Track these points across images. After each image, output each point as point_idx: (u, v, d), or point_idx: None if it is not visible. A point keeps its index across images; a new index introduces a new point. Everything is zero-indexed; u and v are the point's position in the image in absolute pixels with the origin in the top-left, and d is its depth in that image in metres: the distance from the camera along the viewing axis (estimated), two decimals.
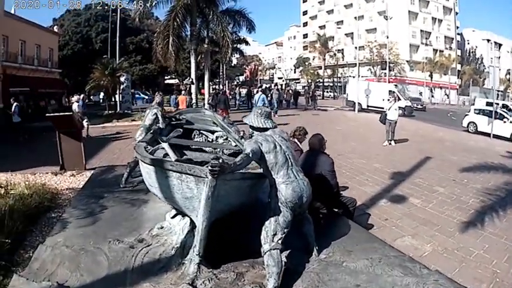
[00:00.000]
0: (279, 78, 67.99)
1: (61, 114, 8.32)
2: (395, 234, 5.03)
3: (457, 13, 57.74)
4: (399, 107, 14.43)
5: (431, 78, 50.96)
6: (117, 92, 22.83)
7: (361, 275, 3.07)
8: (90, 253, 3.33)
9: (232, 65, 51.73)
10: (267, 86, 34.57)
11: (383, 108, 14.17)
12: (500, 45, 59.44)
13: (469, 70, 53.99)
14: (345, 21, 57.58)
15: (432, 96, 49.80)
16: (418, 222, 5.53)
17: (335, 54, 53.12)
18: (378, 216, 5.70)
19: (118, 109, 22.66)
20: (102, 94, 26.40)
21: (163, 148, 4.92)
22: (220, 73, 36.66)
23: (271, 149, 3.10)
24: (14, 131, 13.73)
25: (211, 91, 23.64)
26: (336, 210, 4.70)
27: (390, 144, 12.08)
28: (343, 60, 54.64)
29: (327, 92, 51.64)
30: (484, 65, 55.84)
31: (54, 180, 6.85)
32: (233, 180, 3.13)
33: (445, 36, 56.14)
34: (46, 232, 4.18)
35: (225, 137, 6.29)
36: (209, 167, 2.65)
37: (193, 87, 20.49)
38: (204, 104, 18.50)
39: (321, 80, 52.82)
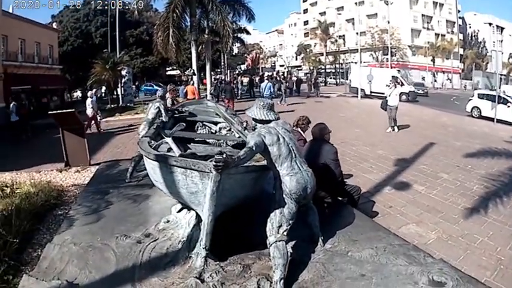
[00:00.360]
0: (281, 65, 67.26)
1: (63, 111, 8.31)
2: (400, 222, 5.05)
3: None
4: (403, 93, 14.28)
5: (434, 62, 50.21)
6: (119, 85, 22.83)
7: (366, 265, 3.08)
8: (98, 250, 3.36)
9: (234, 54, 51.17)
10: (269, 74, 34.13)
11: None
12: (502, 28, 58.14)
13: (472, 54, 53.10)
14: (345, 7, 56.44)
15: (435, 80, 49.18)
16: (423, 209, 5.54)
17: (336, 41, 52.62)
18: (382, 203, 5.72)
19: (120, 103, 22.70)
20: (103, 88, 26.34)
21: (167, 142, 4.95)
22: (222, 63, 36.34)
23: (274, 141, 3.08)
24: (12, 130, 13.99)
25: (213, 81, 23.52)
26: (341, 199, 4.71)
27: (394, 130, 12.03)
28: (344, 46, 53.82)
29: (330, 78, 51.20)
30: (486, 49, 54.76)
31: (60, 177, 6.88)
32: (237, 174, 3.14)
33: (447, 20, 55.02)
34: (53, 230, 4.22)
35: (228, 128, 6.29)
36: (213, 162, 2.65)
37: (195, 78, 20.48)
38: (206, 96, 18.44)
39: (323, 67, 52.39)
